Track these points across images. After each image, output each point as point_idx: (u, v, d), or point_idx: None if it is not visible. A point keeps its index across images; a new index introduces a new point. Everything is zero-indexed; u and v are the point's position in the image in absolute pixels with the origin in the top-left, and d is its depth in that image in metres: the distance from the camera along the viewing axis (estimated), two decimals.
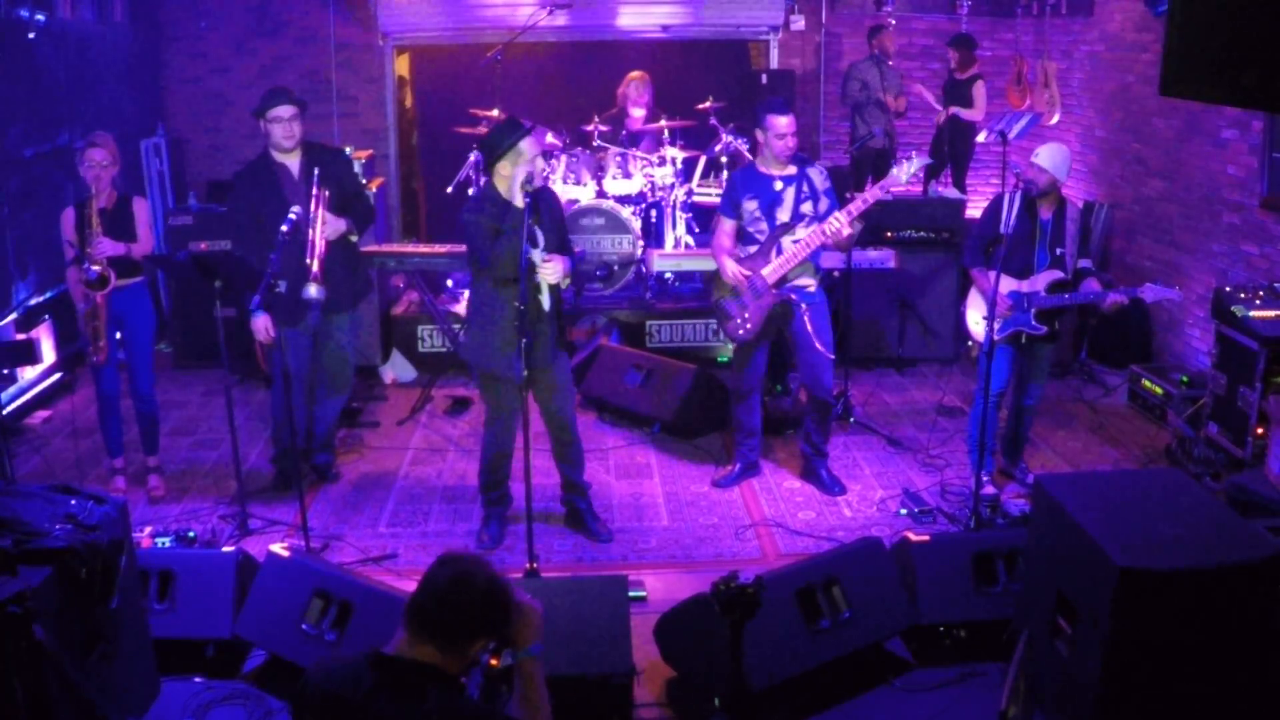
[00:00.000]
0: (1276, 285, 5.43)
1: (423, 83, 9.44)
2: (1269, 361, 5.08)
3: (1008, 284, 4.90)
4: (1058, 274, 4.91)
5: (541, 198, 4.55)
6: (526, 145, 4.36)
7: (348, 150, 6.33)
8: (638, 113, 7.75)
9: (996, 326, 4.82)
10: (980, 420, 5.01)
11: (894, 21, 8.41)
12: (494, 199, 4.42)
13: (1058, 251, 4.91)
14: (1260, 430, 5.10)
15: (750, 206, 4.99)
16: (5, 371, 6.12)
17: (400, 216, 8.97)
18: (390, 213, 8.62)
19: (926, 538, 4.09)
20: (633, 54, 8.63)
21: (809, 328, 5.03)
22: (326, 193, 4.89)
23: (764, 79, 8.43)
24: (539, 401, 4.76)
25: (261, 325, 4.73)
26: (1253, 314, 5.21)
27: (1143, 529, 3.19)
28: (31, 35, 6.58)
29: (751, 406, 5.34)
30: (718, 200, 7.62)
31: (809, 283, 5.04)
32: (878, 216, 6.47)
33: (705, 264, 7.11)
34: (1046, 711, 3.43)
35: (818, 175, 5.02)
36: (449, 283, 7.62)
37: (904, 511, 5.10)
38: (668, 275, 7.34)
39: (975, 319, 5.10)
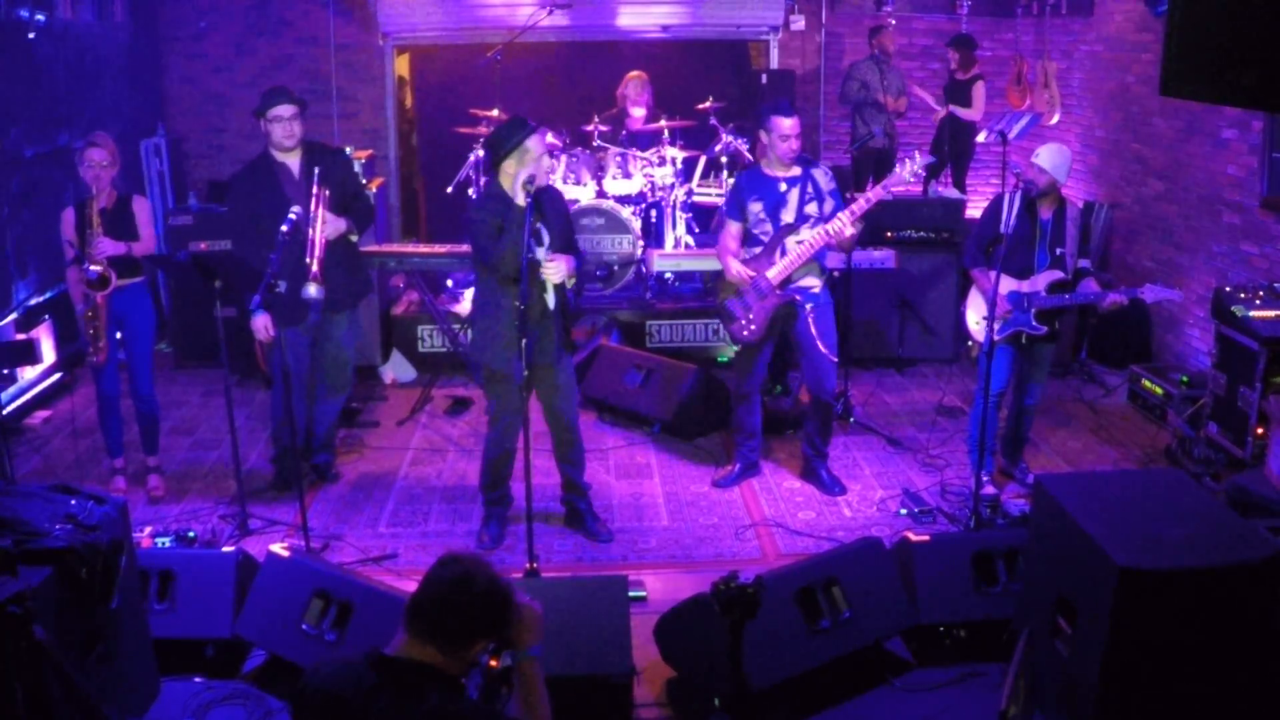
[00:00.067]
0: (1276, 285, 5.43)
1: (423, 83, 9.45)
2: (1269, 361, 5.08)
3: (1008, 284, 4.90)
4: (1058, 274, 4.91)
5: (547, 197, 4.56)
6: (532, 144, 4.36)
7: (348, 150, 6.33)
8: (638, 113, 7.75)
9: (997, 327, 4.82)
10: (980, 420, 5.01)
11: (894, 21, 8.41)
12: (499, 197, 4.42)
13: (1058, 252, 4.91)
14: (1260, 430, 5.11)
15: (755, 208, 5.00)
16: (5, 371, 6.12)
17: (400, 216, 8.97)
18: (390, 213, 8.62)
19: (926, 538, 4.09)
20: (633, 54, 8.63)
21: (813, 329, 5.03)
22: (327, 192, 4.89)
23: (764, 79, 8.42)
24: (542, 400, 4.76)
25: (261, 324, 4.74)
26: (1253, 314, 5.21)
27: (1143, 529, 3.19)
28: (31, 35, 6.58)
29: (753, 408, 5.34)
30: (718, 200, 7.66)
31: (814, 283, 5.04)
32: (878, 216, 6.47)
33: (705, 264, 7.12)
34: (1046, 711, 3.43)
35: (822, 176, 5.01)
36: (449, 283, 7.62)
37: (904, 511, 5.10)
38: (668, 275, 7.34)
39: (975, 319, 5.10)
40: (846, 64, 8.60)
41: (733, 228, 5.09)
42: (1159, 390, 6.13)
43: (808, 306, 5.02)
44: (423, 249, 7.00)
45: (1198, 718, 3.12)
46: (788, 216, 4.96)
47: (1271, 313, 5.19)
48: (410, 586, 2.37)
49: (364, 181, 6.56)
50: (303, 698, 2.32)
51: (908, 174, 4.83)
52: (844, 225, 4.81)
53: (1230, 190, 6.29)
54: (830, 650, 3.68)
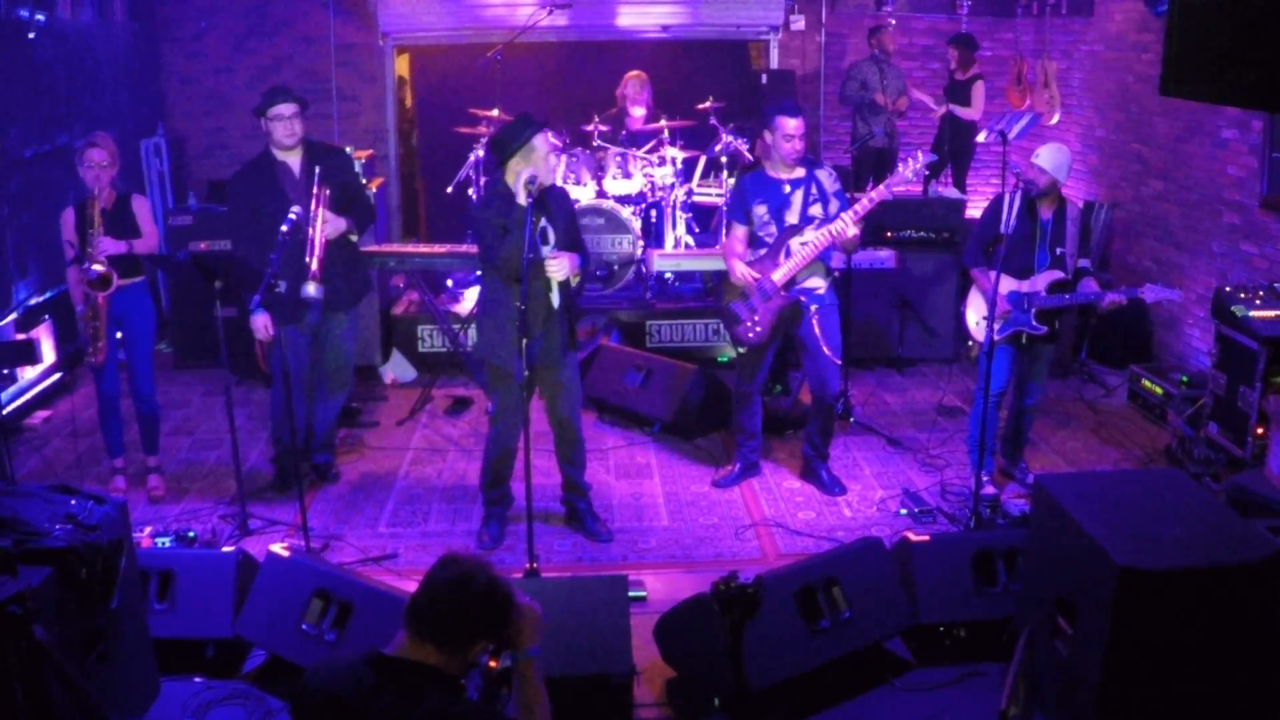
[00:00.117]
0: (1276, 285, 5.43)
1: (423, 83, 9.44)
2: (1269, 361, 5.08)
3: (1008, 284, 4.90)
4: (1058, 274, 4.91)
5: (553, 196, 4.56)
6: (538, 142, 4.36)
7: (348, 150, 6.32)
8: (638, 112, 7.75)
9: (997, 327, 4.82)
10: (980, 420, 5.01)
11: (894, 21, 8.41)
12: (504, 196, 4.42)
13: (1058, 251, 4.91)
14: (1260, 430, 5.11)
15: (760, 211, 4.99)
16: (5, 371, 6.12)
17: (400, 216, 8.97)
18: (390, 213, 8.62)
19: (926, 538, 4.09)
20: (633, 54, 8.63)
21: (817, 331, 5.02)
22: (327, 191, 4.89)
23: (764, 79, 8.42)
24: (545, 399, 4.77)
25: (260, 323, 4.74)
26: (1253, 314, 5.21)
27: (1143, 529, 3.19)
28: (31, 35, 6.58)
29: (753, 409, 5.34)
30: (718, 200, 7.66)
31: (819, 284, 5.03)
32: (878, 216, 6.47)
33: (705, 264, 7.12)
34: (1046, 711, 3.43)
35: (826, 177, 5.01)
36: (449, 283, 7.62)
37: (904, 511, 5.09)
38: (668, 275, 7.34)
39: (975, 319, 5.10)
40: (847, 64, 8.60)
41: (738, 231, 5.09)
42: (1159, 390, 6.13)
43: (812, 308, 5.01)
44: (423, 249, 7.00)
45: (1198, 718, 3.12)
46: (792, 218, 4.95)
47: (1271, 313, 5.19)
48: (410, 586, 2.38)
49: (364, 181, 6.56)
50: (302, 698, 2.32)
51: (910, 173, 4.83)
52: (847, 226, 4.80)
53: (1230, 190, 6.29)
54: (830, 650, 3.67)
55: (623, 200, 7.43)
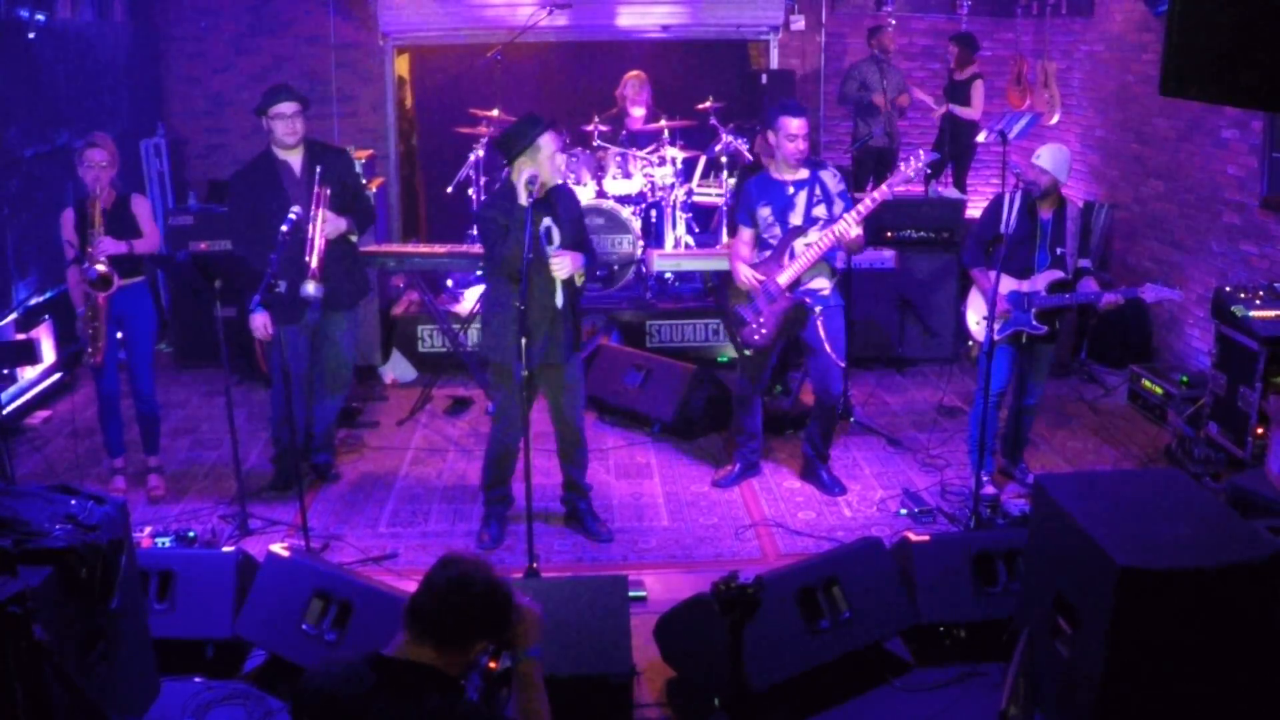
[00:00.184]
0: (1276, 285, 5.43)
1: (423, 83, 9.44)
2: (1269, 361, 5.08)
3: (1008, 284, 4.90)
4: (1058, 274, 4.91)
5: (560, 196, 4.56)
6: (544, 141, 4.36)
7: (348, 150, 6.32)
8: (637, 112, 7.75)
9: (997, 326, 4.82)
10: (980, 420, 5.01)
11: (894, 22, 8.41)
12: (507, 195, 4.43)
13: (1058, 251, 4.91)
14: (1260, 430, 5.11)
15: (764, 213, 4.99)
16: (5, 371, 6.12)
17: (400, 216, 8.97)
18: (390, 213, 8.62)
19: (926, 538, 4.09)
20: (632, 54, 8.63)
21: (821, 333, 5.01)
22: (328, 191, 4.89)
23: (764, 79, 8.42)
24: (549, 399, 4.77)
25: (260, 322, 4.74)
26: (1253, 314, 5.21)
27: (1143, 529, 3.19)
28: (31, 35, 6.58)
29: (754, 410, 5.34)
30: (718, 200, 7.66)
31: (823, 285, 5.01)
32: (878, 216, 6.46)
33: (705, 264, 7.12)
34: (1046, 711, 3.43)
35: (830, 178, 5.00)
36: (449, 283, 7.62)
37: (904, 511, 5.09)
38: (668, 275, 7.34)
39: (975, 319, 5.10)
40: (847, 64, 8.60)
41: (744, 234, 5.09)
42: (1159, 390, 6.13)
43: (817, 309, 5.00)
44: (423, 249, 7.00)
45: (1198, 718, 3.12)
46: (796, 219, 4.95)
47: (1271, 313, 5.19)
48: (410, 586, 2.38)
49: (364, 181, 6.56)
50: (302, 699, 2.32)
51: (911, 172, 4.82)
52: (849, 226, 4.79)
53: (1230, 190, 6.29)
54: (830, 650, 3.67)
55: (623, 200, 7.43)
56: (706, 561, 4.70)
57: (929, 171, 7.57)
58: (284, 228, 4.56)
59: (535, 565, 4.31)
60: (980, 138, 8.24)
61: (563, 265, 4.41)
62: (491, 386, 4.85)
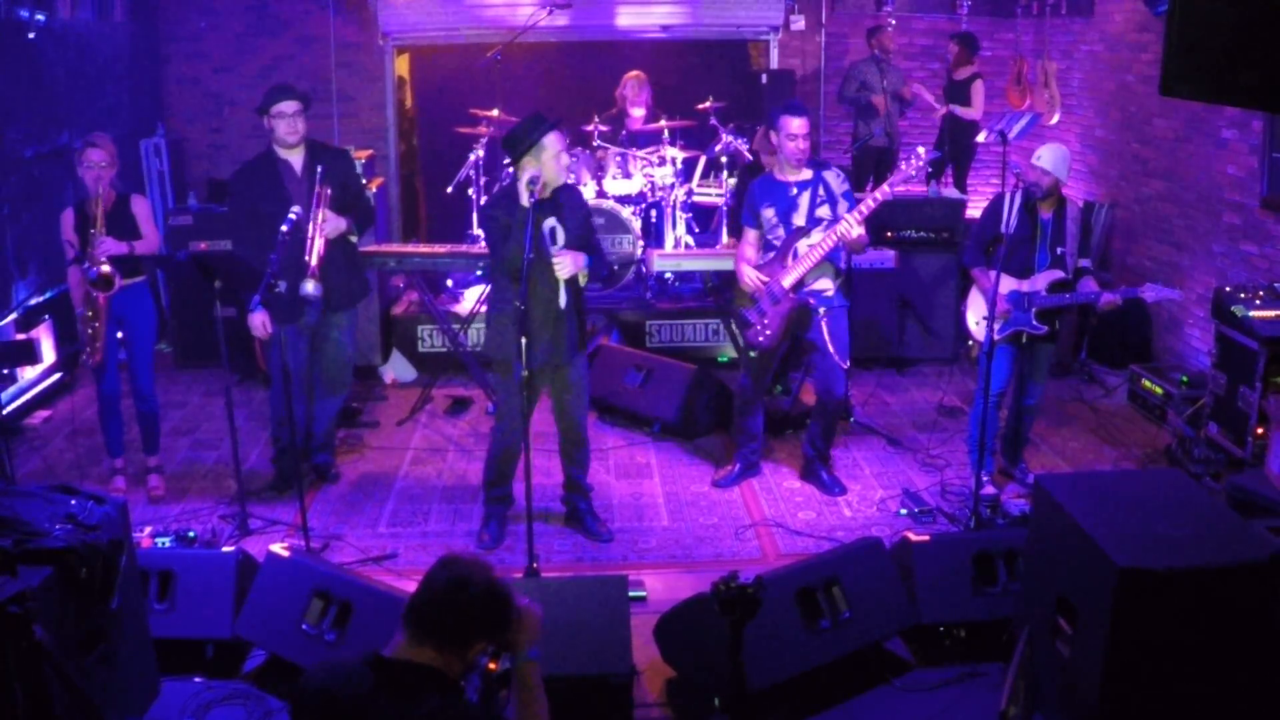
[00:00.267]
0: (1276, 285, 5.43)
1: (423, 83, 9.44)
2: (1269, 361, 5.08)
3: (1008, 284, 4.90)
4: (1058, 274, 4.91)
5: (566, 196, 4.55)
6: (549, 141, 4.36)
7: (349, 150, 6.33)
8: (637, 112, 7.75)
9: (997, 326, 4.82)
10: (980, 420, 5.00)
11: (894, 22, 8.41)
12: (512, 195, 4.42)
13: (1058, 251, 4.91)
14: (1260, 430, 5.10)
15: (768, 214, 4.99)
16: (5, 371, 6.12)
17: (400, 216, 8.97)
18: (390, 213, 8.62)
19: (926, 538, 4.09)
20: (632, 54, 8.63)
21: (825, 334, 5.00)
22: (329, 190, 4.90)
23: (764, 79, 8.42)
24: (553, 398, 4.77)
25: (259, 321, 4.73)
26: (1253, 314, 5.20)
27: (1143, 529, 3.19)
28: (31, 35, 6.58)
29: (756, 411, 5.35)
30: (718, 200, 7.67)
31: (827, 286, 5.00)
32: (878, 216, 6.47)
33: (705, 264, 7.12)
34: (1046, 711, 3.43)
35: (834, 179, 4.99)
36: (449, 283, 7.62)
37: (904, 511, 5.09)
38: (668, 275, 7.34)
39: (975, 319, 5.10)
40: (847, 64, 8.60)
41: (750, 235, 5.09)
42: (1159, 390, 6.13)
43: (821, 310, 5.00)
44: (423, 249, 7.00)
45: (1198, 718, 3.12)
46: (799, 220, 4.95)
47: (1271, 313, 5.19)
48: (410, 586, 2.38)
49: (364, 181, 6.56)
50: (301, 699, 2.32)
51: (912, 170, 4.82)
52: (851, 226, 4.79)
53: (1230, 190, 6.29)
54: (830, 650, 3.67)
55: (623, 200, 7.43)
56: (706, 561, 4.70)
57: (930, 170, 7.57)
58: (284, 228, 4.56)
59: (535, 565, 4.30)
60: (980, 138, 8.24)
61: (564, 265, 4.41)
62: (494, 386, 4.85)
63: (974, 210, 7.51)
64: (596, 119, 7.56)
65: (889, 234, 7.11)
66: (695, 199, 7.67)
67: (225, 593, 3.87)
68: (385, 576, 4.37)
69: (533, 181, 4.25)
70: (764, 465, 5.57)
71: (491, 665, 2.45)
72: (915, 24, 8.97)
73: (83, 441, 5.87)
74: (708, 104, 7.64)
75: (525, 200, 4.25)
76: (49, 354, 6.59)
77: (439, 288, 7.56)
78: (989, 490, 5.04)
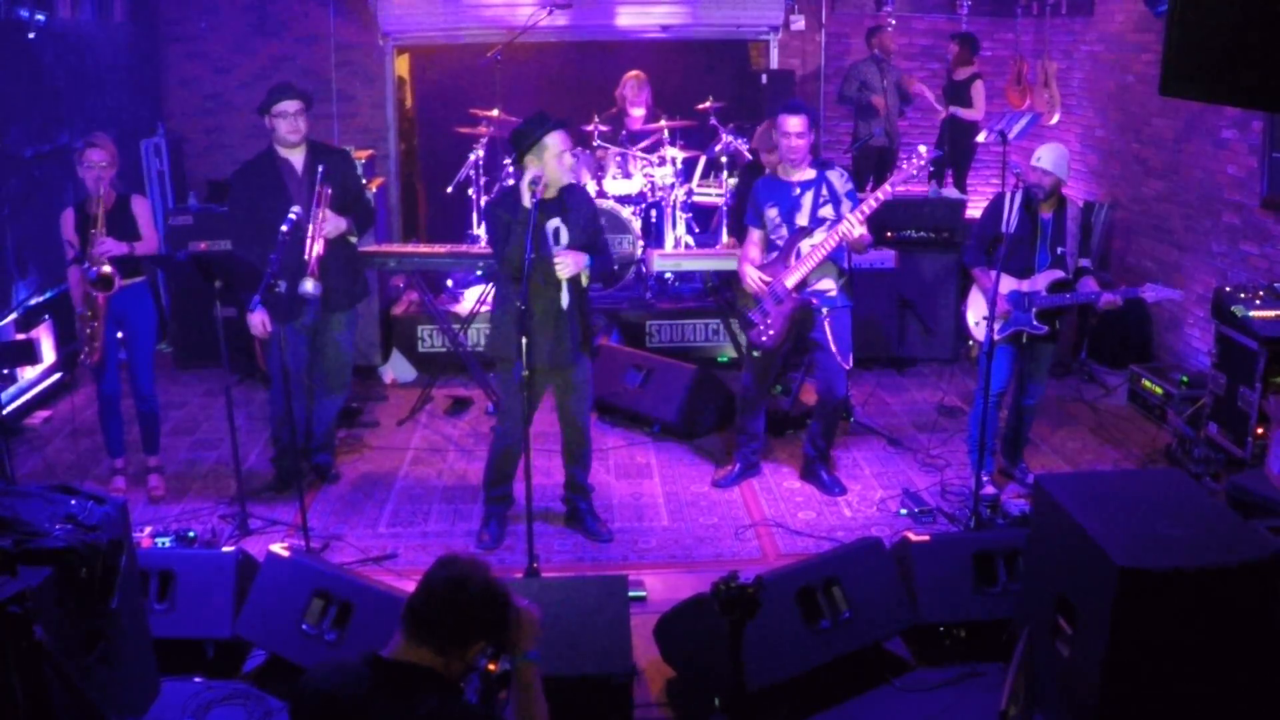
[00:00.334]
0: (1276, 285, 5.43)
1: (423, 83, 9.44)
2: (1269, 361, 5.08)
3: (1008, 283, 4.90)
4: (1059, 273, 4.91)
5: (572, 196, 4.54)
6: (551, 140, 4.35)
7: (348, 149, 6.33)
8: (637, 112, 7.75)
9: (997, 326, 4.82)
10: (980, 420, 5.01)
11: (894, 22, 8.40)
12: (515, 193, 4.41)
13: (1059, 251, 4.91)
14: (1260, 430, 5.10)
15: (771, 214, 4.99)
16: (5, 371, 6.12)
17: (400, 216, 8.97)
18: (390, 213, 8.62)
19: (926, 538, 4.09)
20: (632, 54, 8.63)
21: (828, 334, 5.00)
22: (329, 190, 4.90)
23: (764, 79, 8.42)
24: (556, 399, 4.77)
25: (258, 320, 4.73)
26: (1253, 314, 5.20)
27: (1143, 529, 3.19)
28: (31, 35, 6.57)
29: (758, 411, 5.35)
30: (718, 200, 7.66)
31: (829, 286, 5.00)
32: (879, 216, 6.48)
33: (705, 264, 7.12)
34: (1046, 711, 3.43)
35: (838, 178, 4.99)
36: (449, 283, 7.62)
37: (904, 511, 5.09)
38: (668, 275, 7.34)
39: (975, 319, 5.10)
40: (847, 64, 8.60)
41: (754, 235, 5.09)
42: (1159, 390, 6.13)
43: (824, 310, 5.00)
44: (423, 249, 7.00)
45: (1198, 718, 3.12)
46: (802, 220, 4.94)
47: (1271, 313, 5.19)
48: (410, 586, 2.38)
49: (364, 182, 6.56)
50: (300, 700, 2.32)
51: (914, 170, 4.82)
52: (853, 226, 4.79)
53: (1230, 190, 6.29)
54: (830, 650, 3.67)
55: (623, 200, 7.43)
56: (706, 561, 4.70)
57: (932, 169, 7.57)
58: (284, 228, 4.56)
59: (535, 565, 4.30)
60: (980, 138, 8.23)
61: (565, 265, 4.40)
62: (497, 385, 4.84)
63: (974, 210, 7.51)
64: (596, 119, 7.56)
65: (889, 234, 7.12)
66: (695, 199, 7.67)
67: (225, 593, 3.87)
68: (385, 576, 4.37)
69: (534, 181, 4.25)
70: (764, 465, 5.58)
71: (491, 666, 2.45)
72: (915, 24, 8.97)
73: (83, 441, 5.88)
74: (708, 104, 7.64)
75: (527, 201, 4.25)
76: (49, 354, 6.59)
77: (439, 288, 7.56)
78: (989, 490, 5.04)
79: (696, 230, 7.83)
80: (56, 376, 6.71)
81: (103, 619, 3.20)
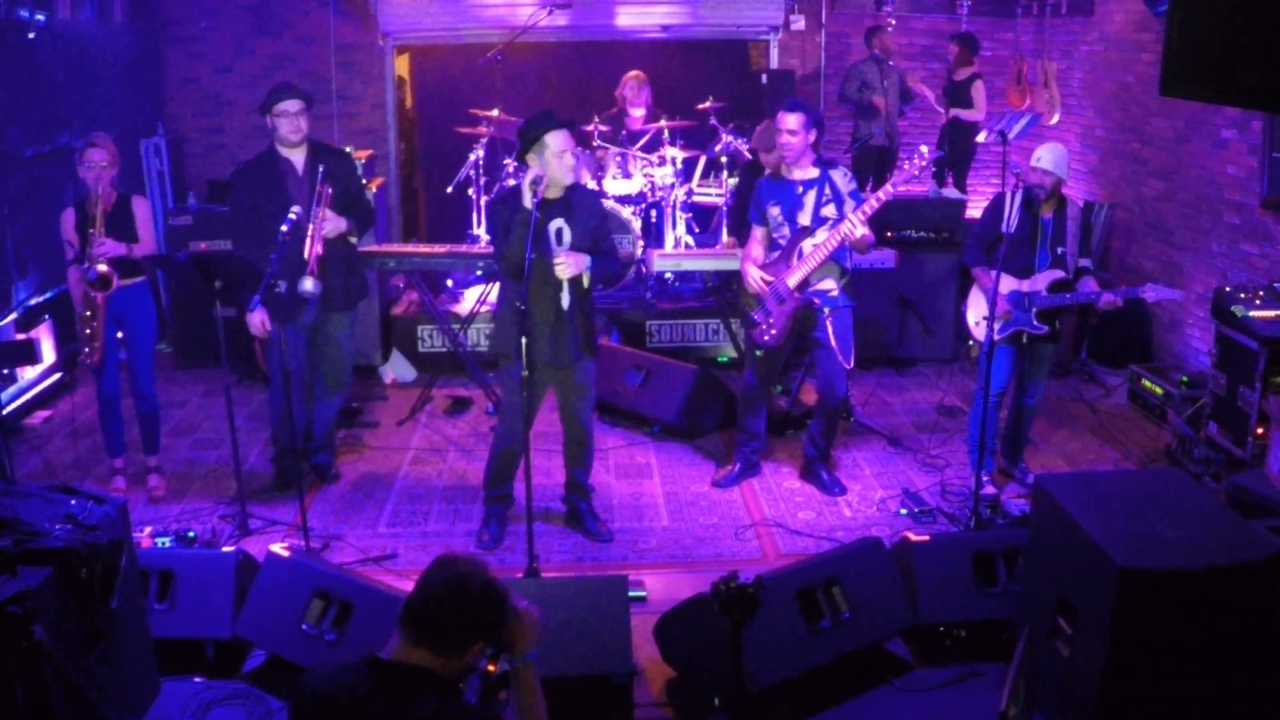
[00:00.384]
0: (1276, 285, 5.43)
1: (423, 83, 9.44)
2: (1269, 361, 5.07)
3: (1009, 283, 4.90)
4: (1059, 273, 4.91)
5: (578, 197, 4.54)
6: (551, 139, 4.34)
7: (348, 150, 6.33)
8: (637, 113, 7.74)
9: (997, 326, 4.82)
10: (980, 420, 5.01)
11: (894, 22, 8.40)
12: (518, 193, 4.40)
13: (1059, 251, 4.91)
14: (1260, 430, 5.10)
15: (774, 212, 5.00)
16: (5, 371, 6.12)
17: (400, 216, 8.97)
18: (390, 213, 8.62)
19: (926, 538, 4.09)
20: (632, 54, 8.63)
21: (830, 335, 5.00)
22: (329, 190, 4.90)
23: (764, 79, 8.42)
24: (559, 399, 4.77)
25: (257, 320, 4.74)
26: (1253, 314, 5.20)
27: (1143, 529, 3.19)
28: (31, 35, 6.57)
29: (759, 411, 5.35)
30: (718, 200, 7.66)
31: (831, 286, 4.99)
32: (878, 216, 6.48)
33: (705, 264, 7.12)
34: (1046, 711, 3.43)
35: (841, 178, 4.99)
36: (449, 283, 7.62)
37: (904, 511, 5.09)
38: (668, 275, 7.34)
39: (975, 319, 5.10)
40: (847, 64, 8.60)
41: (758, 233, 5.10)
42: (1159, 390, 6.13)
43: (826, 311, 5.00)
44: (423, 249, 7.00)
45: (1198, 718, 3.12)
46: (804, 219, 4.94)
47: (1271, 313, 5.19)
48: (410, 586, 2.37)
49: (364, 182, 6.56)
50: (299, 701, 2.31)
51: (916, 170, 4.82)
52: (854, 226, 4.79)
53: (1230, 190, 6.29)
54: (830, 650, 3.67)
55: (623, 200, 7.43)
56: (706, 561, 4.70)
57: (935, 169, 7.57)
58: (284, 228, 4.56)
59: (535, 565, 4.30)
60: (980, 138, 8.24)
61: (564, 266, 4.39)
62: (502, 383, 4.84)
63: (974, 210, 7.51)
64: (596, 119, 7.56)
65: (889, 234, 7.12)
66: (695, 199, 7.67)
67: (225, 593, 3.87)
68: (385, 576, 4.37)
69: (536, 181, 4.24)
70: (764, 465, 5.58)
71: (491, 667, 2.45)
72: (915, 24, 8.97)
73: (83, 441, 5.87)
74: (708, 104, 7.64)
75: (528, 201, 4.24)
76: (49, 354, 6.59)
77: (439, 288, 7.56)
78: (989, 490, 5.04)
79: (696, 230, 7.83)
80: (56, 376, 6.72)
81: (103, 619, 3.20)
